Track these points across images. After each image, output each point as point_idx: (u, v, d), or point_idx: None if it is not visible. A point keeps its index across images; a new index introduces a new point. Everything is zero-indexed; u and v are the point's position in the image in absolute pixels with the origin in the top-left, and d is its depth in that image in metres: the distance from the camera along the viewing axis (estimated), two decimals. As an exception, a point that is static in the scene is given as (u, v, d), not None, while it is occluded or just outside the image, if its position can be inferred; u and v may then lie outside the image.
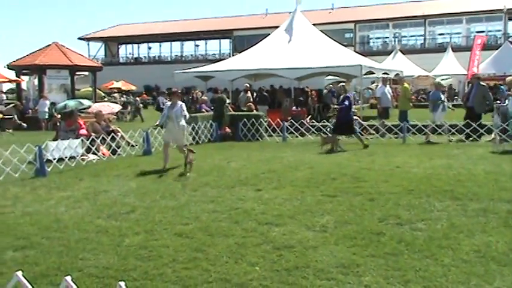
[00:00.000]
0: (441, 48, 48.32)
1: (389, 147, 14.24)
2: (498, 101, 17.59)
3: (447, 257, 5.25)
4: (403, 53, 43.09)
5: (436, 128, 15.51)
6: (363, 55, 28.60)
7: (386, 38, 59.47)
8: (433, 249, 5.47)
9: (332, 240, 5.88)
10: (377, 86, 26.29)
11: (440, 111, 15.69)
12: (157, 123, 12.27)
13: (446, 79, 41.12)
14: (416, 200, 7.74)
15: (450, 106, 16.07)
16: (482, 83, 16.45)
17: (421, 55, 48.40)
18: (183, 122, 11.63)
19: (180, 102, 11.67)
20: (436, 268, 4.95)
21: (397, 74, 27.41)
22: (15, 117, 22.13)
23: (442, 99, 15.81)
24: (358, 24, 57.91)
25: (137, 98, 32.10)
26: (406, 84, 19.26)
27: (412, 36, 58.88)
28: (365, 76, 23.43)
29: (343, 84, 15.37)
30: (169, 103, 11.82)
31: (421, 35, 57.35)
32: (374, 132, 16.75)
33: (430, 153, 12.87)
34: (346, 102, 14.57)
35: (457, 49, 45.33)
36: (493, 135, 14.57)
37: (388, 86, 19.94)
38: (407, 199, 7.79)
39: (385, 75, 24.64)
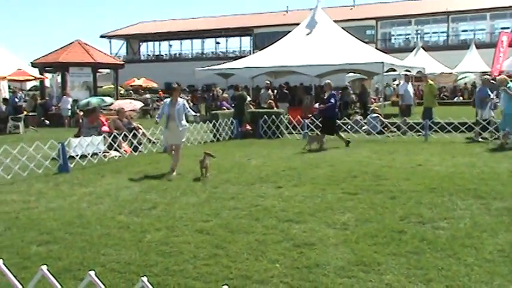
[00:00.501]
0: (464, 45, 47.69)
1: (411, 145, 14.09)
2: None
3: (470, 256, 5.18)
4: (426, 50, 42.56)
5: (486, 126, 14.99)
6: (384, 52, 28.32)
7: (408, 34, 58.83)
8: (455, 248, 5.40)
9: (353, 238, 5.84)
10: (399, 83, 26.05)
11: (489, 109, 15.31)
12: (156, 120, 11.06)
13: (469, 76, 40.58)
14: (438, 198, 7.66)
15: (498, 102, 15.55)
16: (492, 81, 16.37)
17: (443, 52, 47.77)
18: (185, 122, 10.60)
19: (182, 100, 10.67)
20: (458, 267, 4.88)
21: (419, 72, 27.10)
22: (32, 104, 22.32)
23: (491, 96, 15.38)
24: (379, 21, 57.38)
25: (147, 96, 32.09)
26: (431, 81, 19.00)
27: (434, 32, 58.15)
28: (386, 73, 23.21)
29: (329, 81, 14.72)
30: (168, 100, 10.70)
31: (444, 32, 56.59)
32: (395, 129, 16.59)
33: (452, 151, 12.71)
34: (333, 100, 14.33)
35: (480, 46, 44.63)
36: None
37: (410, 83, 19.72)
38: (429, 197, 7.71)
39: (407, 73, 24.39)
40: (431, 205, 7.26)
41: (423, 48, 42.69)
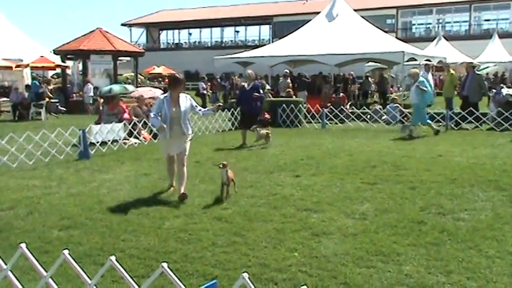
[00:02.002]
0: (487, 35, 46.81)
1: (431, 135, 13.92)
2: (494, 90, 17.56)
3: (491, 248, 5.11)
4: (447, 40, 41.91)
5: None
6: (404, 41, 27.99)
7: (429, 24, 58.01)
8: (476, 240, 5.34)
9: (372, 228, 5.81)
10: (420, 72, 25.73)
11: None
12: (155, 127, 8.06)
13: (492, 67, 39.89)
14: (459, 189, 7.57)
15: None
16: (478, 72, 16.15)
17: (465, 42, 47.01)
18: (190, 125, 7.74)
19: (187, 95, 7.70)
20: (479, 259, 4.83)
21: (440, 61, 26.74)
22: (48, 91, 22.53)
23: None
24: (400, 10, 56.63)
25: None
26: (452, 71, 18.71)
27: (456, 22, 57.23)
28: (407, 63, 22.94)
29: (251, 71, 13.33)
30: (162, 96, 7.81)
31: (465, 21, 55.65)
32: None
33: (473, 142, 12.54)
34: (262, 92, 13.41)
35: (504, 35, 43.83)
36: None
37: (430, 73, 19.47)
38: (449, 188, 7.62)
39: (428, 62, 24.07)
40: (452, 196, 7.18)
41: (444, 37, 42.03)
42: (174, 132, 7.45)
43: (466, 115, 15.28)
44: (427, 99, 14.37)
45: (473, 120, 15.14)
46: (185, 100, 7.52)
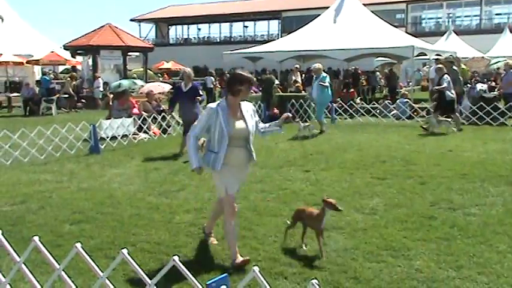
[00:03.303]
0: (498, 29, 46.24)
1: (441, 131, 13.84)
2: (468, 85, 17.75)
3: (503, 243, 5.09)
4: (457, 34, 41.54)
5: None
6: (414, 36, 27.77)
7: (439, 18, 57.46)
8: (487, 235, 5.32)
9: (382, 223, 5.81)
10: (429, 67, 25.58)
11: None
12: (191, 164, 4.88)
13: (502, 61, 39.52)
14: (469, 184, 7.54)
15: None
16: (454, 67, 16.34)
17: (476, 36, 46.48)
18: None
19: (250, 105, 5.01)
20: (490, 254, 4.81)
21: (450, 56, 26.53)
22: (71, 89, 22.55)
23: None
24: (410, 5, 56.12)
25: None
26: (463, 66, 18.57)
27: (466, 16, 56.64)
28: (416, 58, 22.79)
29: (189, 69, 11.48)
30: (214, 105, 4.85)
31: (476, 15, 55.06)
32: (425, 114, 16.32)
33: (484, 137, 12.46)
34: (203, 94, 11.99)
35: (515, 30, 43.25)
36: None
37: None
38: (460, 183, 7.59)
39: (438, 57, 23.89)
40: (462, 191, 7.15)
41: (455, 32, 41.66)
42: (236, 157, 4.80)
43: (476, 110, 15.20)
44: (328, 96, 14.39)
45: (484, 116, 15.04)
46: (250, 111, 4.93)
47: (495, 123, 14.76)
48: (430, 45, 25.44)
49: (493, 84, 22.07)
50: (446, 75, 13.82)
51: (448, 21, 54.01)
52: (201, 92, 11.59)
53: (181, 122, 14.98)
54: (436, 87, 13.77)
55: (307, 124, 13.59)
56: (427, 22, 58.72)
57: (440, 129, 13.52)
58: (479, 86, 16.55)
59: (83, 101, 22.62)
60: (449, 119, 13.56)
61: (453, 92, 13.80)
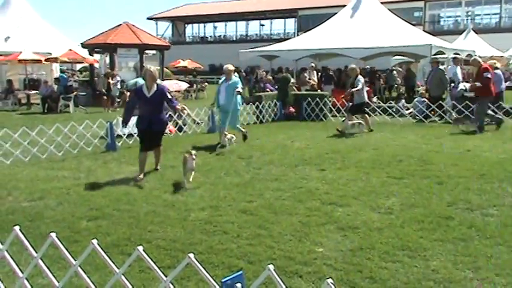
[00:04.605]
0: (518, 27, 45.72)
1: (459, 130, 13.69)
2: (452, 84, 17.83)
3: (521, 244, 5.02)
4: (476, 33, 41.05)
5: None
6: (432, 35, 27.52)
7: (458, 16, 56.88)
8: (506, 236, 5.24)
9: (398, 223, 5.76)
10: (447, 66, 25.31)
11: None
12: None
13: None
14: (488, 184, 7.44)
15: None
16: (441, 67, 16.86)
17: (495, 34, 45.95)
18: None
19: None
20: (509, 256, 4.74)
21: (468, 55, 26.21)
22: (106, 83, 22.58)
23: None
24: (428, 3, 55.66)
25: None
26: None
27: (486, 14, 55.97)
28: (434, 56, 22.56)
29: (154, 68, 9.06)
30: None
31: (496, 13, 54.37)
32: (443, 114, 16.15)
33: (503, 137, 12.30)
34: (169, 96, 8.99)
35: (536, 28, 42.68)
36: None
37: (459, 67, 19.12)
38: (478, 183, 7.50)
39: (457, 55, 23.63)
40: (480, 191, 7.06)
41: (474, 30, 41.17)
42: None
43: (495, 109, 15.00)
44: (240, 102, 11.83)
45: (502, 115, 14.86)
46: None
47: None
48: (449, 44, 25.20)
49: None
50: (360, 77, 13.68)
51: (467, 20, 53.39)
52: (168, 95, 8.85)
53: (197, 120, 15.04)
54: (353, 89, 13.46)
55: (356, 121, 13.52)
56: (446, 20, 58.20)
57: (353, 130, 13.34)
58: (461, 86, 16.76)
59: (118, 100, 22.71)
60: (361, 121, 13.57)
61: (365, 94, 13.83)
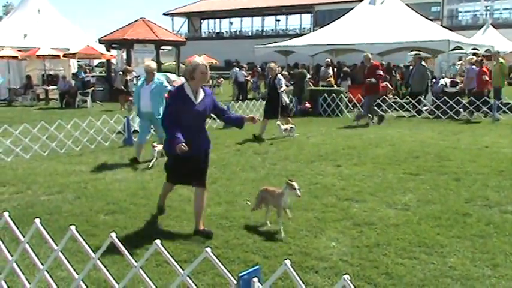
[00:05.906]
0: (538, 22, 44.97)
1: (478, 126, 13.56)
2: (433, 80, 18.34)
3: (540, 242, 4.96)
4: (495, 28, 40.45)
5: None
6: (450, 30, 27.20)
7: (476, 11, 56.14)
8: (524, 234, 5.19)
9: (415, 219, 5.73)
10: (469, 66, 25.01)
11: None
12: None
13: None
14: (506, 181, 7.36)
15: None
16: (423, 63, 17.09)
17: (515, 29, 45.25)
18: None
19: None
20: (527, 253, 4.70)
21: (487, 50, 25.88)
22: (124, 80, 22.61)
23: None
24: (446, -3, 55.02)
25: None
26: (502, 60, 18.05)
27: (505, 9, 55.14)
28: (452, 52, 22.30)
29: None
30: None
31: (515, 8, 53.60)
32: (461, 110, 15.98)
33: (522, 133, 12.13)
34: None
35: (556, 23, 41.93)
36: None
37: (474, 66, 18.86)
38: (496, 180, 7.42)
39: (475, 51, 23.36)
40: (499, 188, 6.98)
41: (492, 25, 40.58)
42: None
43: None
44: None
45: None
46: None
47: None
48: (467, 39, 24.87)
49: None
50: (280, 76, 12.61)
51: (486, 14, 52.67)
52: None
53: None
54: (282, 90, 12.18)
55: (288, 126, 12.22)
56: (464, 15, 57.47)
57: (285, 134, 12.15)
58: (442, 81, 17.24)
59: (131, 98, 22.83)
60: (292, 125, 12.33)
61: (285, 98, 12.59)
